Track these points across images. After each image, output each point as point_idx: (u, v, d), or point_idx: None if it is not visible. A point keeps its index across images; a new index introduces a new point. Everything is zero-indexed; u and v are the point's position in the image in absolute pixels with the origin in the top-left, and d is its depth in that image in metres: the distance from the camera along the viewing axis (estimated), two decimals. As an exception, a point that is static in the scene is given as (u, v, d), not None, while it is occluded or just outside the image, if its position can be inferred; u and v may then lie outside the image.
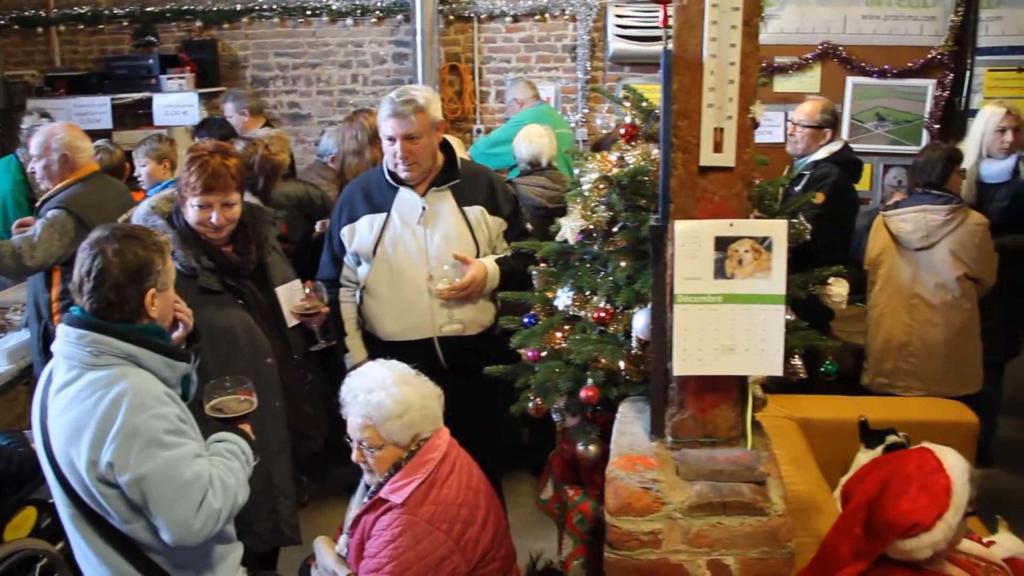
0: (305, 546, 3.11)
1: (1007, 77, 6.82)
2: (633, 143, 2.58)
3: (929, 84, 6.83)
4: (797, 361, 2.70)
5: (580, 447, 2.78)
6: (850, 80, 6.85)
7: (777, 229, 2.09)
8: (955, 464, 2.30)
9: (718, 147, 2.09)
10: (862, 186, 6.84)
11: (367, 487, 2.72)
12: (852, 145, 6.76)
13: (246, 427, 2.59)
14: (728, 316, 2.12)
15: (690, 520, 2.18)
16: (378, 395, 2.55)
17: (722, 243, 2.09)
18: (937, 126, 6.80)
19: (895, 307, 4.31)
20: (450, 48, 7.24)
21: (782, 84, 6.88)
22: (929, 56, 6.79)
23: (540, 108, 6.22)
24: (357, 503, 2.80)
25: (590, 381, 2.60)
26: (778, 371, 2.17)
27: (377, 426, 2.55)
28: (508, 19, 7.17)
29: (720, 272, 2.10)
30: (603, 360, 2.59)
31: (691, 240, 2.09)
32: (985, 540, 2.78)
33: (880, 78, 6.82)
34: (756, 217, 2.33)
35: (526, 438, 4.94)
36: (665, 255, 2.15)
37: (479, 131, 7.22)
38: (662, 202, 2.12)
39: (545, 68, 7.24)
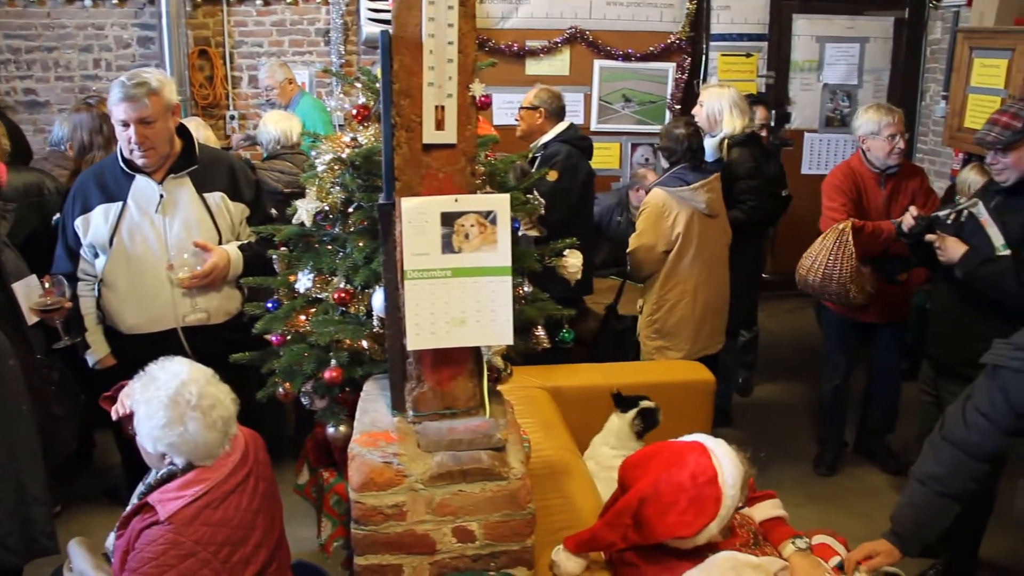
0: (61, 555, 2.94)
1: (737, 61, 7.35)
2: (366, 123, 2.59)
3: (670, 67, 7.25)
4: (540, 332, 2.81)
5: (330, 429, 2.79)
6: (597, 63, 7.15)
7: (500, 203, 2.16)
8: (729, 474, 2.37)
9: (440, 125, 2.13)
10: (611, 163, 7.20)
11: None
12: (601, 125, 7.14)
13: None
14: (458, 289, 2.17)
15: (432, 490, 2.23)
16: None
17: (448, 218, 2.14)
18: (678, 106, 7.23)
19: (705, 276, 4.52)
20: (199, 32, 6.98)
21: (533, 67, 7.10)
22: (668, 41, 7.21)
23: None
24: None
25: (334, 362, 2.61)
26: (509, 340, 2.25)
27: None
28: (259, 2, 6.98)
29: (448, 247, 2.15)
30: (346, 340, 2.60)
31: (418, 217, 2.12)
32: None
33: (625, 61, 7.16)
34: (487, 194, 2.41)
35: (291, 429, 4.87)
36: (394, 233, 2.18)
37: (232, 117, 7.01)
38: (386, 180, 2.14)
39: (299, 52, 7.11)
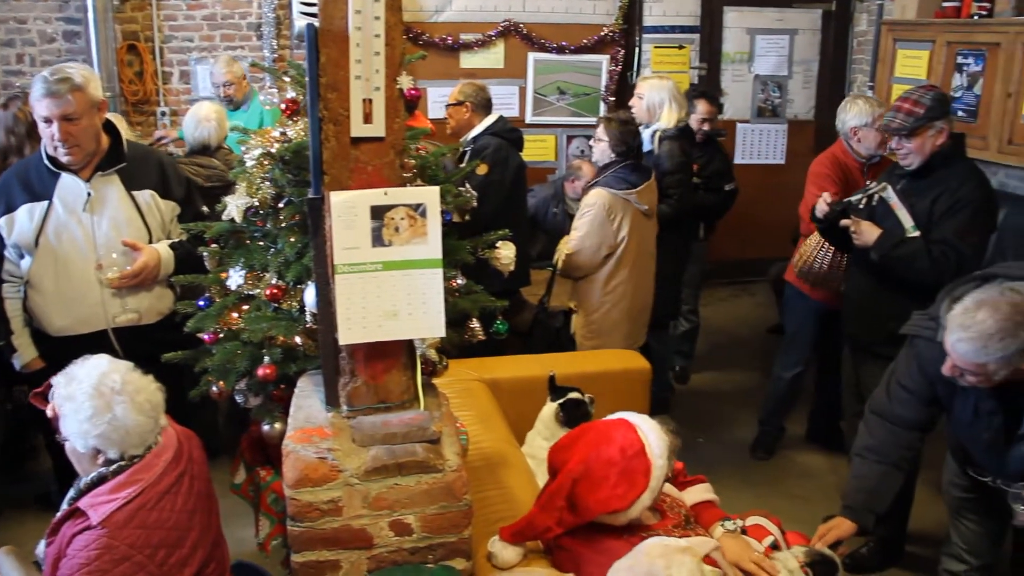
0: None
1: (670, 53, 7.42)
2: (295, 118, 2.57)
3: (603, 59, 7.29)
4: (475, 324, 2.82)
5: (265, 426, 2.77)
6: (532, 56, 7.16)
7: (430, 195, 2.16)
8: (656, 445, 2.44)
9: (368, 118, 2.13)
10: (547, 156, 7.23)
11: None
12: (536, 118, 7.16)
13: None
14: (389, 283, 2.17)
15: (368, 484, 2.23)
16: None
17: (378, 212, 2.13)
18: (612, 98, 7.28)
19: (640, 275, 4.54)
20: (127, 26, 6.83)
21: (468, 61, 7.09)
22: (602, 33, 7.25)
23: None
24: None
25: (267, 359, 2.59)
26: (441, 333, 2.25)
27: None
28: (189, -5, 6.89)
29: (378, 240, 2.15)
30: (279, 337, 2.59)
31: (347, 211, 2.12)
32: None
33: (559, 54, 7.19)
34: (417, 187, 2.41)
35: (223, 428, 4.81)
36: (323, 227, 2.17)
37: (163, 114, 6.90)
38: (314, 174, 2.13)
39: (231, 47, 7.00)
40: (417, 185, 2.50)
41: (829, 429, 4.96)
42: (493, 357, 3.91)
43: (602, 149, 4.42)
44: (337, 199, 2.12)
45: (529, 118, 7.21)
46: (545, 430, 3.52)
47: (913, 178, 3.64)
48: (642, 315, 4.61)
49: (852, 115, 4.49)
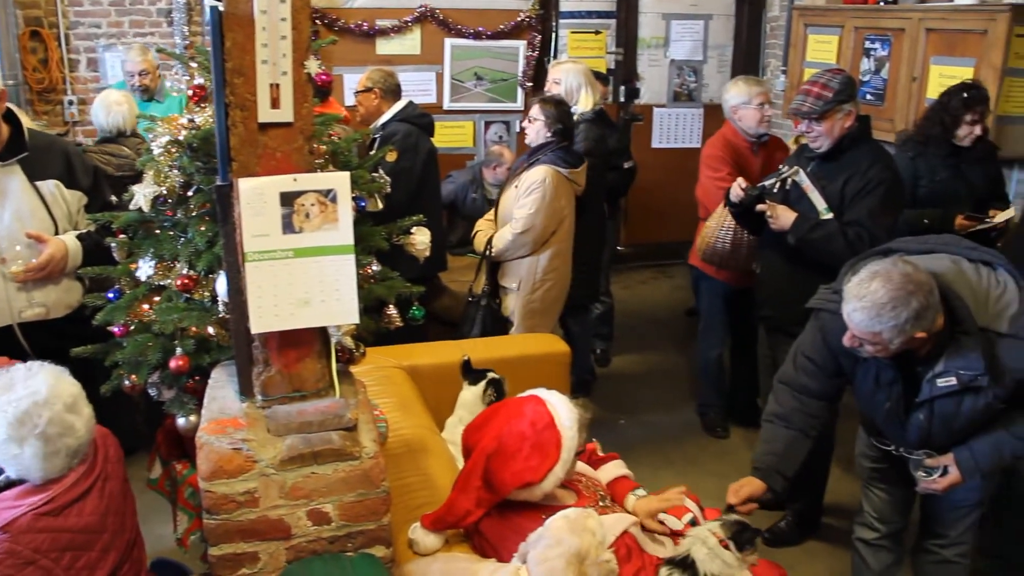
0: None
1: (587, 39, 7.46)
2: (203, 104, 2.52)
3: (520, 45, 7.29)
4: (392, 310, 2.81)
5: (180, 419, 2.72)
6: (448, 42, 7.13)
7: (340, 181, 2.15)
8: (566, 417, 2.51)
9: (275, 103, 2.10)
10: (465, 142, 7.22)
11: None
12: (453, 104, 7.14)
13: None
14: (300, 270, 2.15)
15: (284, 474, 2.21)
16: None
17: (288, 198, 2.11)
18: (530, 84, 7.28)
19: (569, 255, 4.56)
20: (29, 11, 6.57)
21: (384, 47, 7.02)
22: (519, 19, 7.24)
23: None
24: None
25: (179, 351, 2.54)
26: (355, 319, 2.24)
27: None
28: (95, -21, 6.67)
29: (288, 227, 2.12)
30: (192, 328, 2.54)
31: (256, 197, 2.09)
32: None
33: (476, 40, 7.17)
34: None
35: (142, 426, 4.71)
36: (233, 214, 2.13)
37: (71, 103, 6.70)
38: (222, 161, 2.10)
39: (140, 33, 6.82)
40: (329, 171, 2.47)
41: (746, 406, 5.05)
42: (413, 344, 3.90)
43: (537, 129, 4.40)
44: (245, 186, 2.08)
45: (447, 104, 7.19)
46: (468, 415, 3.52)
47: (823, 161, 3.72)
48: (565, 295, 4.65)
49: (732, 95, 4.61)
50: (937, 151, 4.18)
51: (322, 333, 2.30)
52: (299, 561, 2.27)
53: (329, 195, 2.13)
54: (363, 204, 2.64)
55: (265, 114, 2.09)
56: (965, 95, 4.15)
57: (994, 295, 2.58)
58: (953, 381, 2.58)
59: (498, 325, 4.43)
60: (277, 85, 2.09)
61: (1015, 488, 3.73)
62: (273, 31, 2.07)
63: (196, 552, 3.06)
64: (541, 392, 2.63)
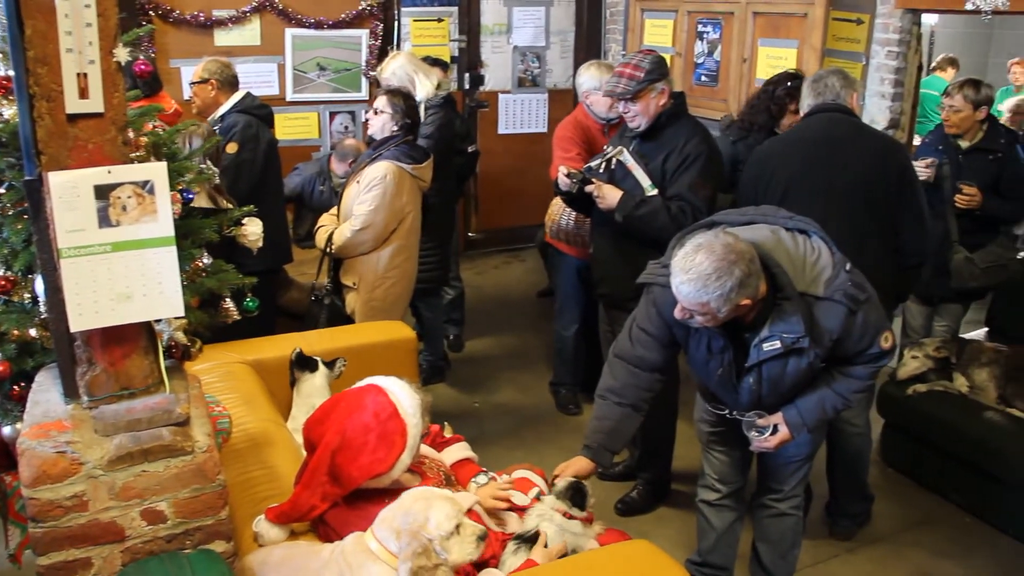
0: None
1: (429, 26, 7.45)
2: (11, 97, 2.41)
3: (363, 34, 7.22)
4: (228, 304, 2.76)
5: (5, 429, 2.60)
6: (289, 32, 6.99)
7: (157, 172, 2.09)
8: (408, 404, 2.52)
9: (84, 93, 2.02)
10: (310, 133, 7.12)
11: None
12: (297, 95, 7.03)
13: None
14: (120, 264, 2.08)
15: (114, 475, 2.15)
16: None
17: (102, 191, 2.04)
18: (374, 73, 7.22)
19: (415, 249, 4.55)
20: None
21: (223, 38, 6.82)
22: (360, 7, 7.17)
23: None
24: None
25: (0, 356, 2.44)
26: (180, 312, 2.19)
27: None
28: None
29: (105, 221, 2.05)
30: (13, 331, 2.43)
31: (69, 191, 2.01)
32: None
33: (317, 29, 7.05)
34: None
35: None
36: (44, 210, 2.05)
37: None
38: (27, 155, 2.02)
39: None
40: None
41: (596, 382, 5.16)
42: (257, 338, 3.83)
43: (383, 121, 4.35)
44: (56, 180, 2.01)
45: (290, 95, 7.05)
46: (319, 401, 3.50)
47: (643, 139, 3.84)
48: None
49: (585, 79, 4.73)
50: (759, 138, 4.34)
51: (147, 328, 2.24)
52: (135, 563, 2.21)
53: (146, 187, 2.07)
54: (190, 196, 2.58)
55: (73, 105, 2.01)
56: (790, 84, 4.33)
57: (810, 261, 2.72)
58: (778, 345, 2.71)
59: (341, 323, 4.39)
60: (85, 74, 2.02)
61: (841, 444, 3.97)
62: (77, 18, 1.99)
63: (32, 567, 2.94)
64: (380, 380, 2.63)
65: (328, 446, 2.45)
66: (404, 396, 2.54)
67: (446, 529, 2.27)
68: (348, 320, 4.41)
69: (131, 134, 2.22)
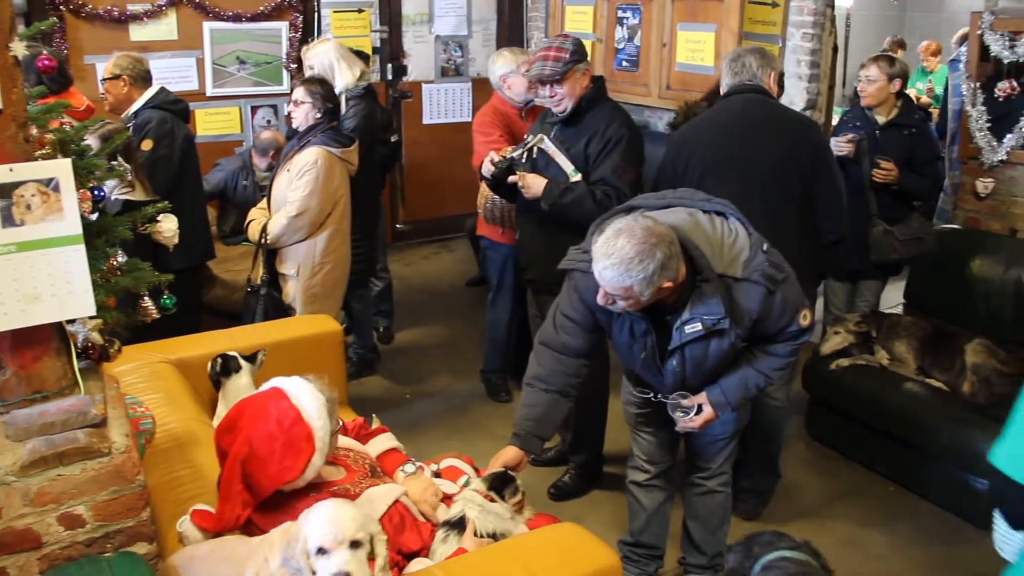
0: None
1: (350, 17, 7.39)
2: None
3: (283, 26, 7.13)
4: (147, 302, 2.71)
5: (-86, 437, 2.53)
6: (207, 25, 6.86)
7: (62, 169, 2.04)
8: (311, 407, 2.48)
9: (-19, 89, 1.97)
10: (232, 128, 7.02)
11: None
12: (217, 90, 6.91)
13: None
14: (26, 264, 2.03)
15: (27, 480, 2.10)
16: None
17: (4, 190, 1.99)
18: (294, 65, 7.14)
19: (347, 235, 4.53)
20: None
21: (139, 33, 6.66)
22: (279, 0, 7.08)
23: None
24: None
25: (-94, 364, 2.36)
26: (91, 312, 2.14)
27: None
28: None
29: (8, 220, 2.00)
30: (-83, 337, 2.36)
31: (-31, 190, 1.96)
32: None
33: (236, 22, 6.94)
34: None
35: None
36: (-57, 211, 2.00)
37: None
38: (-78, 154, 1.96)
39: None
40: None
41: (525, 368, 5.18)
42: (181, 336, 3.77)
43: (305, 111, 4.36)
44: (-45, 179, 1.95)
45: (210, 90, 6.92)
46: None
47: (564, 125, 3.86)
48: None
49: (499, 65, 4.78)
50: None
51: (59, 329, 2.19)
52: (53, 570, 2.16)
53: (51, 184, 2.03)
54: (101, 194, 2.53)
55: (-26, 101, 1.96)
56: None
57: (727, 243, 2.76)
58: (699, 326, 2.74)
59: (280, 313, 4.36)
60: (-17, 70, 1.97)
61: (759, 417, 4.04)
62: (-30, 13, 1.94)
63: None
64: (282, 382, 2.58)
65: (237, 457, 2.43)
66: (307, 399, 2.49)
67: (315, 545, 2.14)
68: (287, 311, 4.40)
69: (35, 131, 2.17)
